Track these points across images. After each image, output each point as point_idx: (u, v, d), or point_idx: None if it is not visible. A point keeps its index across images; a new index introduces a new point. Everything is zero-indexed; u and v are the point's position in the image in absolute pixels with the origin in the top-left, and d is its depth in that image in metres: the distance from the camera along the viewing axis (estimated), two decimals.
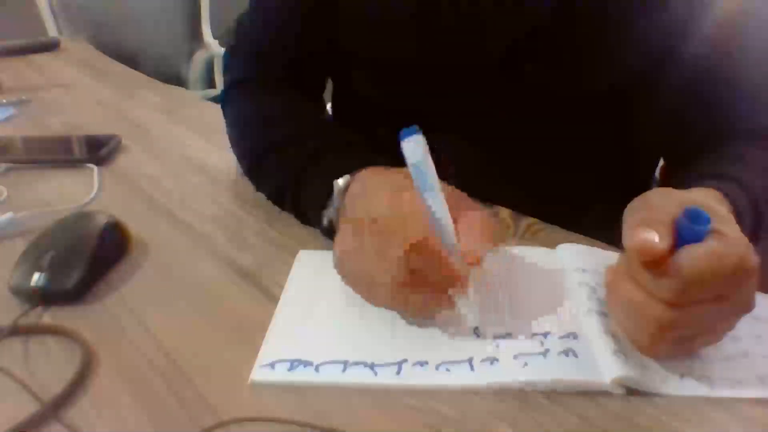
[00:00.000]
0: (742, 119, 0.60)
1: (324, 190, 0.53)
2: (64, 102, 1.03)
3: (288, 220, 0.61)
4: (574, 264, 0.51)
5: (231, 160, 0.72)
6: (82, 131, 0.87)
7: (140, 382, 0.41)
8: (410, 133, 0.44)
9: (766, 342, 0.44)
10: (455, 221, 0.44)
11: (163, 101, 1.03)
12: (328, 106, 0.83)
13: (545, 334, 0.44)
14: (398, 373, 0.41)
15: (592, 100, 0.64)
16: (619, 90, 0.63)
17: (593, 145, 0.67)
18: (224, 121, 0.74)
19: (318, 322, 0.47)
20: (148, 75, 1.21)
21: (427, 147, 0.44)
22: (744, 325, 0.41)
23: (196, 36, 2.19)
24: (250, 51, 0.74)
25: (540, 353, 0.42)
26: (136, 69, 1.26)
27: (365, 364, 0.42)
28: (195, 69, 2.22)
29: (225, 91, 0.75)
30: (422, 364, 0.42)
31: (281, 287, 0.51)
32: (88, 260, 0.51)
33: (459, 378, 0.41)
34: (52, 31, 1.87)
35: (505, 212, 0.62)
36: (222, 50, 2.13)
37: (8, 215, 0.61)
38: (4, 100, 1.02)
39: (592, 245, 0.55)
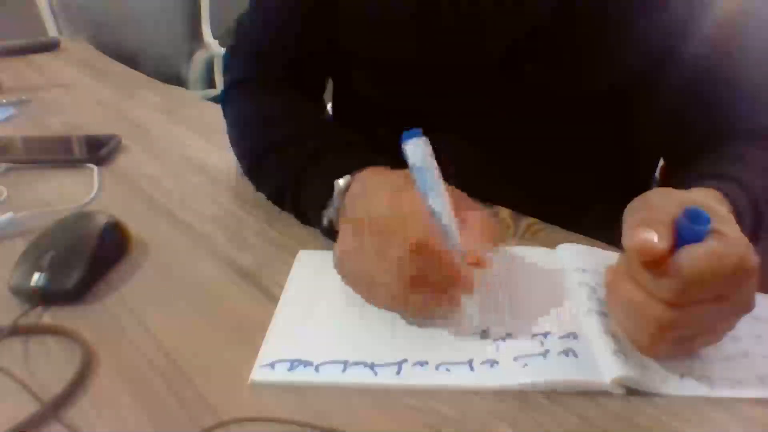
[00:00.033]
0: (742, 119, 0.60)
1: (324, 190, 0.53)
2: (64, 102, 1.03)
3: (288, 220, 0.61)
4: (574, 264, 0.51)
5: (231, 160, 0.72)
6: (82, 131, 0.87)
7: (140, 382, 0.41)
8: (413, 135, 0.44)
9: (766, 342, 0.44)
10: (458, 223, 0.44)
11: (163, 101, 1.03)
12: (329, 106, 0.83)
13: (545, 334, 0.44)
14: (398, 373, 0.41)
15: (592, 100, 0.64)
16: (619, 90, 0.63)
17: (593, 145, 0.67)
18: (224, 121, 0.74)
19: (318, 322, 0.47)
20: (148, 75, 1.21)
21: (430, 149, 0.44)
22: (744, 325, 0.41)
23: (196, 36, 2.19)
24: (251, 51, 0.74)
25: (540, 354, 0.42)
26: (136, 69, 1.26)
27: (365, 364, 0.42)
28: (195, 69, 2.22)
29: (225, 91, 0.75)
30: (422, 364, 0.42)
31: (281, 287, 0.51)
32: (88, 260, 0.51)
33: (459, 378, 0.41)
34: (52, 31, 1.87)
35: (505, 212, 0.62)
36: (222, 50, 2.13)
37: (8, 215, 0.61)
38: (4, 100, 1.02)
39: (592, 245, 0.55)
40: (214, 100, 1.21)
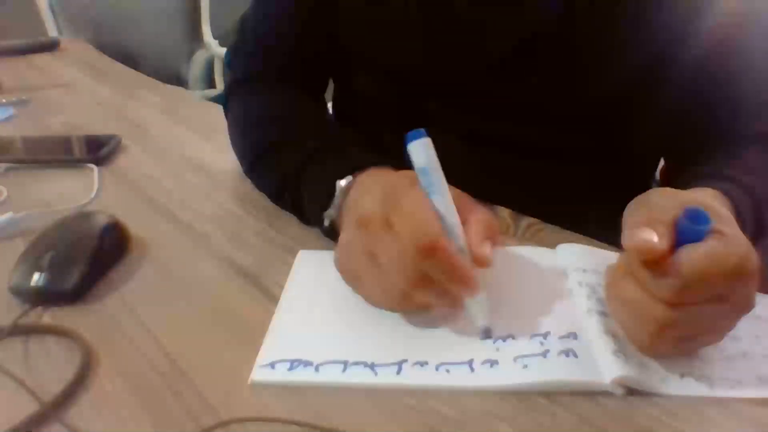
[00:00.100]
0: (742, 120, 0.60)
1: (325, 190, 0.53)
2: (64, 102, 1.03)
3: (288, 220, 0.61)
4: (574, 264, 0.51)
5: (231, 160, 0.72)
6: (82, 131, 0.87)
7: (140, 382, 0.41)
8: (417, 136, 0.44)
9: (766, 342, 0.44)
10: (462, 223, 0.44)
11: (163, 101, 1.03)
12: (329, 105, 0.83)
13: (545, 335, 0.44)
14: (398, 373, 0.41)
15: (593, 102, 0.64)
16: (620, 92, 0.63)
17: (594, 146, 0.67)
18: (225, 120, 0.74)
19: (318, 322, 0.47)
20: (148, 75, 1.21)
21: (433, 150, 0.44)
22: (744, 325, 0.41)
23: (196, 36, 2.19)
24: (252, 50, 0.74)
25: (540, 354, 0.42)
26: (136, 69, 1.26)
27: (365, 364, 0.42)
28: (195, 69, 2.22)
29: (227, 90, 0.75)
30: (422, 364, 0.42)
31: (281, 287, 0.51)
32: (88, 260, 0.51)
33: (459, 379, 0.41)
34: (52, 31, 1.87)
35: (505, 212, 0.62)
36: (222, 50, 2.13)
37: (8, 215, 0.61)
38: (4, 100, 1.02)
39: (592, 245, 0.55)
40: (214, 100, 1.21)
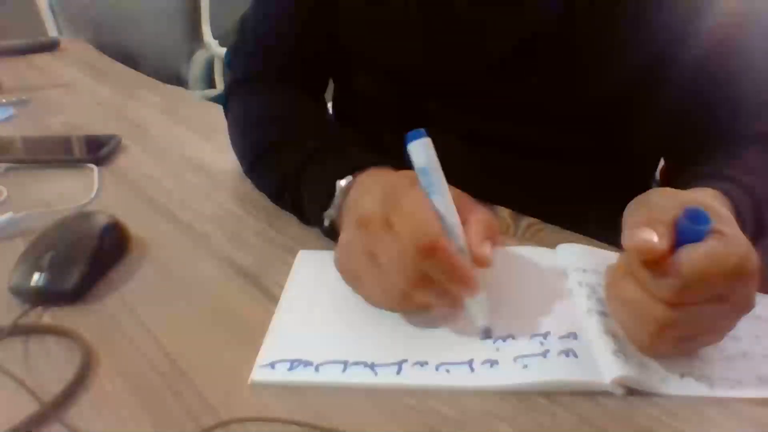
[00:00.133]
0: (742, 120, 0.60)
1: (324, 190, 0.53)
2: (64, 102, 1.03)
3: (288, 220, 0.61)
4: (574, 264, 0.51)
5: (231, 160, 0.72)
6: (82, 131, 0.87)
7: (140, 382, 0.41)
8: (417, 136, 0.44)
9: (766, 342, 0.44)
10: (462, 223, 0.44)
11: (163, 101, 1.03)
12: (329, 105, 0.83)
13: (545, 335, 0.44)
14: (398, 373, 0.41)
15: (593, 102, 0.64)
16: (620, 92, 0.63)
17: (594, 146, 0.67)
18: (225, 120, 0.74)
19: (318, 322, 0.47)
20: (148, 75, 1.21)
21: (433, 150, 0.44)
22: (744, 325, 0.41)
23: (196, 36, 2.19)
24: (253, 50, 0.74)
25: (540, 354, 0.42)
26: (136, 69, 1.26)
27: (365, 364, 0.42)
28: (195, 69, 2.22)
29: (227, 90, 0.75)
30: (422, 364, 0.42)
31: (281, 287, 0.51)
32: (88, 260, 0.51)
33: (459, 379, 0.41)
34: (52, 31, 1.87)
35: (505, 212, 0.62)
36: (222, 50, 2.13)
37: (8, 215, 0.61)
38: (4, 100, 1.02)
39: (592, 245, 0.55)
40: (214, 100, 1.21)
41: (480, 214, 0.46)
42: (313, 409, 0.39)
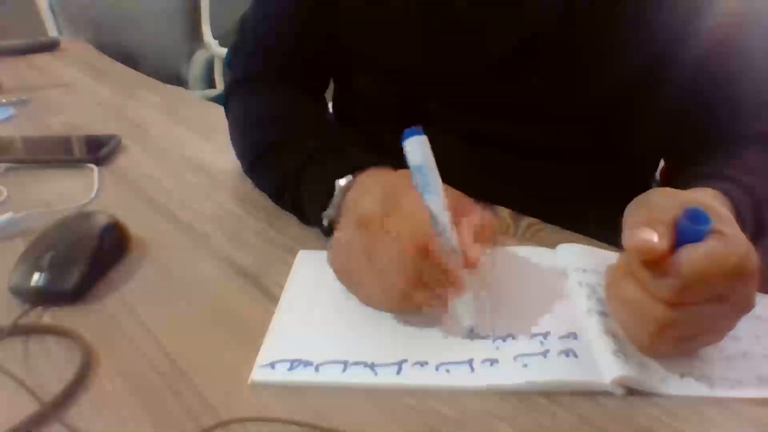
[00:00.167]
0: (743, 120, 0.60)
1: (324, 190, 0.53)
2: (64, 102, 1.03)
3: (288, 220, 0.61)
4: (574, 264, 0.51)
5: (231, 160, 0.72)
6: (82, 131, 0.87)
7: (140, 382, 0.41)
8: (413, 134, 0.44)
9: (765, 342, 0.44)
10: (455, 222, 0.44)
11: (163, 101, 1.03)
12: (329, 105, 0.83)
13: (545, 334, 0.44)
14: (398, 373, 0.41)
15: (593, 102, 0.64)
16: (620, 92, 0.63)
17: (594, 146, 0.67)
18: (225, 120, 0.74)
19: (318, 322, 0.47)
20: (148, 75, 1.21)
21: (429, 148, 0.44)
22: (744, 325, 0.41)
23: (196, 36, 2.19)
24: (253, 50, 0.74)
25: (540, 354, 0.42)
26: (136, 69, 1.26)
27: (365, 364, 0.42)
28: (195, 69, 2.22)
29: (227, 90, 0.75)
30: (422, 364, 0.42)
31: (281, 287, 0.51)
32: (88, 260, 0.51)
33: (459, 379, 0.41)
34: (52, 31, 1.87)
35: (505, 212, 0.62)
36: (222, 50, 2.13)
37: (8, 215, 0.61)
38: (4, 100, 1.02)
39: (592, 245, 0.55)
40: (214, 100, 1.21)
41: (474, 214, 0.46)
42: (313, 409, 0.39)
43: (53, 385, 0.40)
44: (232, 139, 0.72)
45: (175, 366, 0.43)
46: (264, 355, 0.43)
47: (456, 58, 0.64)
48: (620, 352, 0.41)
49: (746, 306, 0.39)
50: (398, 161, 0.46)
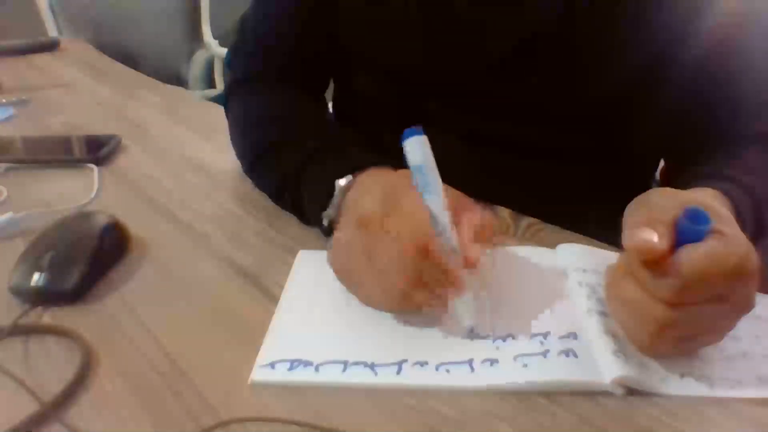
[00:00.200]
0: (743, 120, 0.60)
1: (323, 190, 0.53)
2: (64, 102, 1.03)
3: (288, 220, 0.61)
4: (574, 264, 0.51)
5: (231, 160, 0.72)
6: (82, 131, 0.87)
7: (140, 382, 0.41)
8: (413, 134, 0.44)
9: (765, 342, 0.44)
10: (455, 223, 0.44)
11: (163, 101, 1.03)
12: (329, 105, 0.83)
13: (545, 334, 0.44)
14: (398, 373, 0.41)
15: (594, 102, 0.64)
16: (620, 92, 0.63)
17: (594, 146, 0.67)
18: (225, 120, 0.74)
19: (318, 322, 0.47)
20: (148, 75, 1.21)
21: (429, 148, 0.44)
22: (744, 325, 0.41)
23: (196, 36, 2.19)
24: (253, 50, 0.74)
25: (540, 353, 0.42)
26: (136, 69, 1.26)
27: (365, 364, 0.42)
28: (195, 69, 2.22)
29: (227, 90, 0.75)
30: (422, 364, 0.42)
31: (281, 287, 0.51)
32: (88, 260, 0.51)
33: (459, 379, 0.41)
34: (52, 31, 1.87)
35: (505, 212, 0.62)
36: (222, 50, 2.13)
37: (8, 215, 0.61)
38: (4, 100, 1.02)
39: (592, 245, 0.55)
40: (214, 100, 1.21)
41: (474, 214, 0.46)
42: (313, 409, 0.39)
43: (53, 385, 0.40)
44: (232, 139, 0.72)
45: (175, 366, 0.43)
46: (264, 355, 0.43)
47: (456, 58, 0.64)
48: (620, 352, 0.41)
49: (746, 306, 0.39)
50: (398, 161, 0.46)
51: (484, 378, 0.41)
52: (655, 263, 0.38)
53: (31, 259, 0.51)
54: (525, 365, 0.41)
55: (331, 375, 0.41)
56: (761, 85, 0.60)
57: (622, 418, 0.38)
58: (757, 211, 0.51)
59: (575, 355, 0.42)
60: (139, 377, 0.42)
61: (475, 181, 0.50)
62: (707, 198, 0.45)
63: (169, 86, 1.14)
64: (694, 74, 0.59)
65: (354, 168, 0.53)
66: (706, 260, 0.37)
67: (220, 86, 2.24)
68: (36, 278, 0.49)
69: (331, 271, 0.48)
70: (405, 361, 0.42)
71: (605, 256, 0.52)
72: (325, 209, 0.54)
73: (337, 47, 0.71)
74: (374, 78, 0.72)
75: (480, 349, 0.43)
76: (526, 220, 0.61)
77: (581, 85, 0.62)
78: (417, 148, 0.44)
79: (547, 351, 0.42)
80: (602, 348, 0.42)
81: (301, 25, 0.71)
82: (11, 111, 0.98)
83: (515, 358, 0.42)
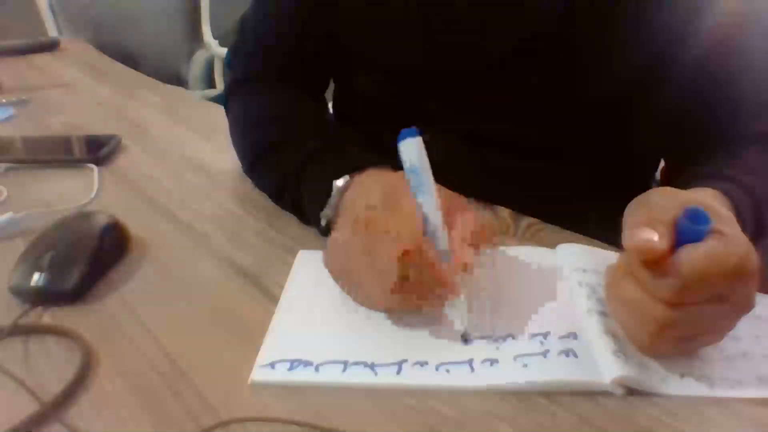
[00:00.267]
0: (743, 120, 0.60)
1: (323, 190, 0.53)
2: (64, 102, 1.03)
3: (288, 220, 0.61)
4: (574, 264, 0.51)
5: (231, 160, 0.72)
6: (82, 131, 0.87)
7: (140, 382, 0.41)
8: (408, 135, 0.44)
9: (765, 342, 0.44)
10: (449, 225, 0.44)
11: (163, 101, 1.03)
12: (330, 105, 0.83)
13: (545, 335, 0.44)
14: (398, 373, 0.41)
15: (594, 102, 0.64)
16: (620, 92, 0.63)
17: (594, 146, 0.67)
18: (225, 120, 0.74)
19: (318, 322, 0.47)
20: (148, 75, 1.21)
21: (424, 150, 0.44)
22: (744, 325, 0.41)
23: (196, 36, 2.19)
24: (253, 50, 0.74)
25: (540, 353, 0.42)
26: (136, 69, 1.26)
27: (365, 364, 0.42)
28: (195, 69, 2.22)
29: (227, 90, 0.75)
30: (422, 364, 0.42)
31: (281, 287, 0.51)
32: (88, 260, 0.51)
33: (459, 379, 0.41)
34: (52, 31, 1.87)
35: (505, 212, 0.62)
36: (222, 50, 2.13)
37: (8, 215, 0.61)
38: (4, 100, 1.02)
39: (592, 245, 0.55)
40: (214, 100, 1.21)
41: (468, 216, 0.46)
42: (313, 409, 0.39)
43: (53, 385, 0.40)
44: (232, 139, 0.72)
45: (175, 366, 0.43)
46: (264, 355, 0.43)
47: (456, 58, 0.64)
48: (620, 352, 0.41)
49: (746, 306, 0.39)
50: (398, 161, 0.46)
51: (484, 378, 0.41)
52: (655, 263, 0.38)
53: (31, 259, 0.51)
54: (525, 365, 0.41)
55: (331, 375, 0.41)
56: (761, 85, 0.60)
57: (622, 418, 0.38)
58: (757, 211, 0.51)
59: (575, 355, 0.42)
60: (139, 377, 0.42)
61: (475, 181, 0.50)
62: (707, 198, 0.45)
63: (169, 86, 1.14)
64: (694, 74, 0.59)
65: (353, 168, 0.53)
66: (706, 260, 0.37)
67: (220, 86, 2.24)
68: (36, 278, 0.49)
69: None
70: (405, 361, 0.42)
71: (605, 256, 0.52)
72: (323, 209, 0.54)
73: (337, 47, 0.71)
74: (374, 78, 0.72)
75: (480, 349, 0.43)
76: (526, 220, 0.61)
77: (581, 85, 0.62)
78: (412, 149, 0.44)
79: (547, 351, 0.42)
80: (602, 348, 0.42)
81: (301, 25, 0.71)
82: (11, 111, 0.98)
83: (515, 358, 0.42)
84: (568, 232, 0.58)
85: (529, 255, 0.54)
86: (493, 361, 0.42)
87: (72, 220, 0.56)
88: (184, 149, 0.81)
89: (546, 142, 0.66)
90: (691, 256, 0.37)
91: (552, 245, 0.55)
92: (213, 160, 0.77)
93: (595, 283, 0.48)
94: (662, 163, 0.78)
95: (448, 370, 0.41)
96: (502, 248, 0.55)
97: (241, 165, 0.70)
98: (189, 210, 0.64)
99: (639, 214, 0.40)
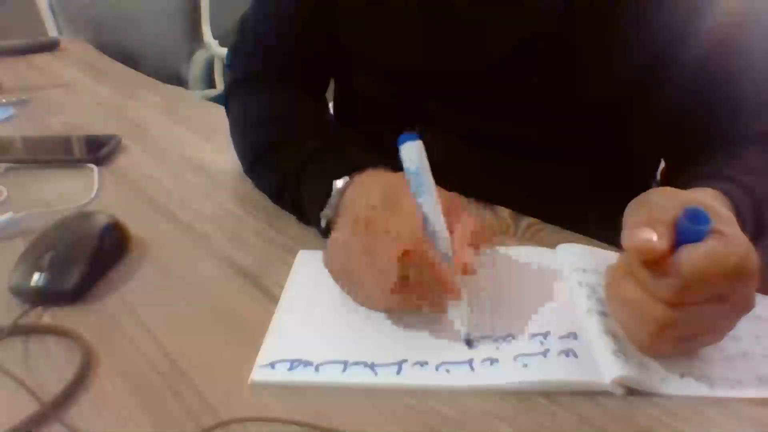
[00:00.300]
0: (743, 120, 0.60)
1: (323, 190, 0.53)
2: (64, 102, 1.03)
3: (288, 220, 0.61)
4: (574, 264, 0.51)
5: (231, 160, 0.72)
6: (82, 131, 0.87)
7: (140, 382, 0.41)
8: (409, 138, 0.44)
9: (766, 342, 0.44)
10: (449, 227, 0.44)
11: (163, 101, 1.03)
12: (330, 105, 0.83)
13: (545, 335, 0.44)
14: (398, 373, 0.41)
15: (594, 102, 0.64)
16: (620, 92, 0.63)
17: (594, 146, 0.67)
18: (225, 120, 0.74)
19: (318, 321, 0.47)
20: (148, 75, 1.21)
21: (424, 153, 0.44)
22: (744, 325, 0.41)
23: (196, 36, 2.19)
24: (253, 50, 0.74)
25: (540, 353, 0.42)
26: (136, 69, 1.26)
27: (365, 364, 0.42)
28: (195, 69, 2.22)
29: (227, 90, 0.75)
30: (422, 364, 0.42)
31: (281, 287, 0.51)
32: (88, 260, 0.51)
33: (459, 379, 0.41)
34: (52, 31, 1.87)
35: (505, 212, 0.62)
36: (222, 50, 2.13)
37: (8, 215, 0.61)
38: (4, 100, 1.02)
39: (592, 245, 0.55)
40: (214, 100, 1.21)
41: (468, 218, 0.46)
42: (313, 409, 0.39)
43: (53, 385, 0.40)
44: (232, 139, 0.72)
45: (175, 366, 0.43)
46: (264, 355, 0.43)
47: (456, 58, 0.64)
48: (620, 352, 0.41)
49: (746, 306, 0.39)
50: (398, 161, 0.46)
51: (484, 378, 0.41)
52: (655, 263, 0.38)
53: (31, 259, 0.51)
54: (525, 365, 0.41)
55: (331, 375, 0.41)
56: (761, 85, 0.60)
57: (622, 418, 0.38)
58: (757, 211, 0.51)
59: (575, 355, 0.42)
60: (139, 377, 0.42)
61: (475, 181, 0.50)
62: (707, 198, 0.45)
63: (169, 86, 1.14)
64: (694, 74, 0.59)
65: (354, 168, 0.53)
66: (706, 260, 0.37)
67: (220, 86, 2.24)
68: (36, 278, 0.49)
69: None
70: (405, 361, 0.42)
71: (605, 256, 0.52)
72: (323, 210, 0.54)
73: (337, 47, 0.71)
74: (374, 78, 0.72)
75: (480, 349, 0.43)
76: (526, 220, 0.61)
77: (581, 85, 0.62)
78: (413, 153, 0.44)
79: (547, 351, 0.42)
80: (602, 348, 0.42)
81: (301, 25, 0.71)
82: (11, 111, 0.98)
83: (515, 358, 0.42)
84: (568, 232, 0.58)
85: (529, 255, 0.54)
86: (493, 361, 0.42)
87: (72, 220, 0.56)
88: (184, 149, 0.81)
89: (546, 142, 0.66)
90: (691, 256, 0.37)
91: (552, 245, 0.55)
92: (213, 160, 0.77)
93: (595, 283, 0.48)
94: (662, 163, 0.78)
95: (448, 370, 0.41)
96: (502, 248, 0.55)
97: (241, 165, 0.70)
98: (189, 210, 0.64)
99: (639, 214, 0.40)
